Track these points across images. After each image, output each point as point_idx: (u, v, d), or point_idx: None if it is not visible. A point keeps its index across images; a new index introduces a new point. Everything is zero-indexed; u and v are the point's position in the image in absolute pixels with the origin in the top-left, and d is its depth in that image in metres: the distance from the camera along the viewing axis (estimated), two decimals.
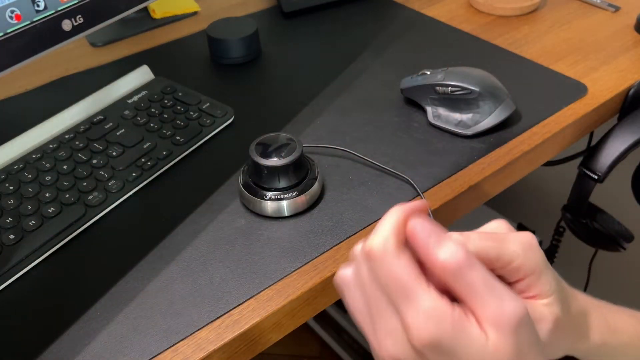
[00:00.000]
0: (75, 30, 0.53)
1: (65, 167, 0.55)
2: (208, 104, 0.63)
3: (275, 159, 0.49)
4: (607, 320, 0.39)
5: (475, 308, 0.28)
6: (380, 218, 0.50)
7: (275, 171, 0.49)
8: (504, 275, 0.32)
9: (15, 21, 0.48)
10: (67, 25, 0.52)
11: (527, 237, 0.32)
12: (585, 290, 1.09)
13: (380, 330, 0.30)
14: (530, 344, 0.29)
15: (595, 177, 0.64)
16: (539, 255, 0.32)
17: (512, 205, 1.25)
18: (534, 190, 1.27)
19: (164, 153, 0.57)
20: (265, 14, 0.83)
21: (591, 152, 0.64)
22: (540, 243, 1.11)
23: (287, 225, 0.50)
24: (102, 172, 0.55)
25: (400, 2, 0.84)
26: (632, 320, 0.41)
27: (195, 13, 0.85)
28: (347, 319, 1.42)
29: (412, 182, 0.53)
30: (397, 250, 0.29)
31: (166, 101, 0.63)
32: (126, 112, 0.62)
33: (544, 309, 0.32)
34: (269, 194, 0.50)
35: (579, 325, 0.36)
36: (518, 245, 0.31)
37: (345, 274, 0.32)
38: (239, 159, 0.57)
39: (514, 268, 0.31)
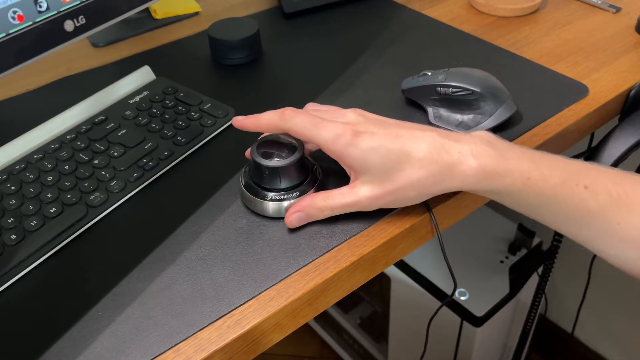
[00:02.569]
0: (78, 31, 0.53)
1: (66, 167, 0.55)
2: (209, 105, 0.63)
3: (276, 159, 0.49)
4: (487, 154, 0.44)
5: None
6: (381, 218, 0.50)
7: (276, 172, 0.49)
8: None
9: (18, 22, 0.48)
10: (69, 25, 0.52)
11: (337, 129, 0.45)
12: (585, 290, 1.09)
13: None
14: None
15: None
16: (343, 142, 0.45)
17: None
18: None
19: (166, 153, 0.57)
20: (266, 15, 0.84)
21: (592, 153, 0.64)
22: (541, 244, 1.12)
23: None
24: (103, 173, 0.55)
25: (401, 2, 0.84)
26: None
27: (196, 13, 0.85)
28: (348, 319, 1.42)
29: None
30: None
31: (167, 102, 0.63)
32: (127, 112, 0.62)
33: (361, 189, 0.47)
34: (270, 195, 0.50)
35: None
36: (327, 134, 0.45)
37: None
38: (240, 160, 0.57)
39: (325, 151, 0.47)
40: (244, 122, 0.49)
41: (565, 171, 0.43)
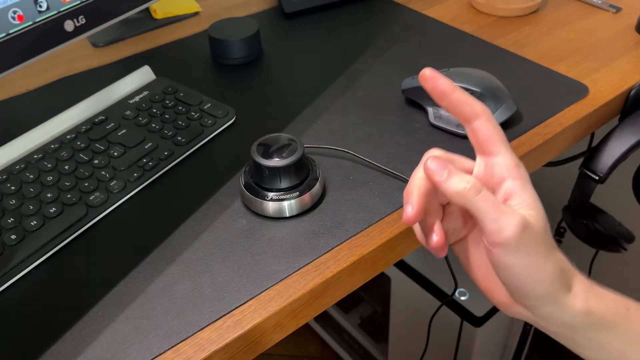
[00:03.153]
0: (78, 31, 0.53)
1: (66, 167, 0.55)
2: (209, 105, 0.63)
3: (276, 159, 0.49)
4: (593, 290, 0.39)
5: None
6: (381, 219, 0.50)
7: (276, 172, 0.49)
8: (491, 173, 0.38)
9: (18, 22, 0.48)
10: (69, 25, 0.52)
11: (517, 159, 0.38)
12: None
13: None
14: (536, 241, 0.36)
15: (596, 177, 0.64)
16: (525, 172, 0.38)
17: None
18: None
19: (166, 153, 0.57)
20: (266, 15, 0.84)
21: (592, 153, 0.64)
22: None
23: (288, 226, 0.50)
24: (103, 173, 0.55)
25: (402, 2, 0.84)
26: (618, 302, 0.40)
27: (196, 13, 0.85)
28: (348, 319, 1.42)
29: None
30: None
31: (167, 101, 0.63)
32: (128, 112, 0.62)
33: (518, 211, 0.36)
34: (271, 195, 0.50)
35: (561, 270, 0.38)
36: (512, 157, 0.38)
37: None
38: (240, 160, 0.57)
39: (504, 166, 0.38)
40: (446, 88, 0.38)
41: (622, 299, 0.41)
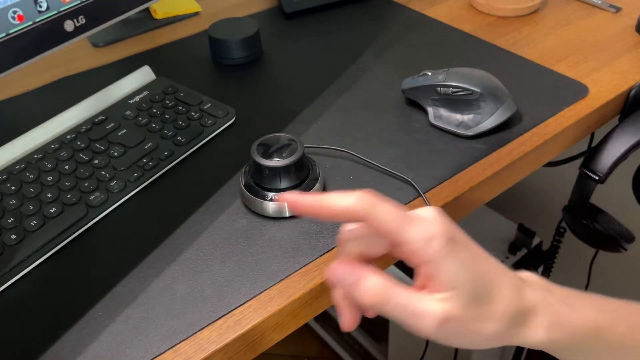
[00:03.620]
0: (78, 31, 0.53)
1: (66, 167, 0.55)
2: (209, 105, 0.63)
3: (276, 159, 0.49)
4: (558, 318, 0.38)
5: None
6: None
7: (276, 172, 0.49)
8: (404, 257, 0.35)
9: (18, 22, 0.48)
10: (69, 25, 0.52)
11: (430, 228, 0.34)
12: (585, 290, 1.09)
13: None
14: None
15: (596, 177, 0.64)
16: (439, 247, 0.34)
17: (513, 205, 1.25)
18: (534, 191, 1.27)
19: (166, 153, 0.57)
20: (266, 15, 0.84)
21: (592, 153, 0.64)
22: (541, 244, 1.11)
23: (288, 226, 0.50)
24: (103, 173, 0.55)
25: (401, 2, 0.84)
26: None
27: (196, 13, 0.85)
28: None
29: (413, 182, 0.53)
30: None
31: (167, 101, 0.63)
32: (128, 112, 0.62)
33: (434, 304, 0.34)
34: (271, 195, 0.50)
35: (509, 319, 0.36)
36: (420, 232, 0.34)
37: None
38: (240, 160, 0.57)
39: (409, 251, 0.34)
40: (298, 202, 0.35)
41: (628, 318, 0.40)
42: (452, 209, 0.53)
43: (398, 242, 0.34)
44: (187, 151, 0.58)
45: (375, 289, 0.34)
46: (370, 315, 0.37)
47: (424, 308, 0.34)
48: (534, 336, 0.37)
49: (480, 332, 0.35)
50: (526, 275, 0.40)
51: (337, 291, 0.38)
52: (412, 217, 0.34)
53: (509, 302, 0.36)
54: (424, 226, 0.34)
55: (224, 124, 0.61)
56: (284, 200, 0.36)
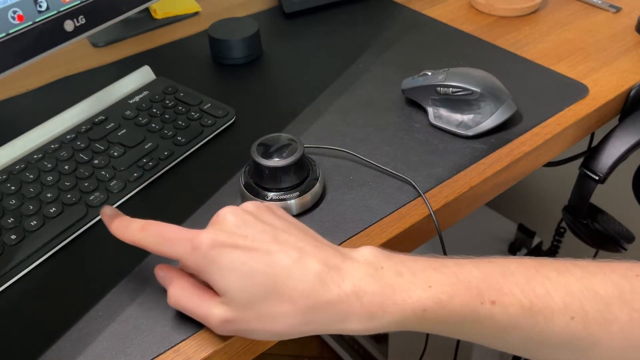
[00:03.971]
0: (78, 31, 0.53)
1: (66, 167, 0.55)
2: (209, 105, 0.63)
3: (276, 159, 0.49)
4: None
5: None
6: (381, 219, 0.50)
7: (276, 172, 0.49)
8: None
9: (18, 22, 0.48)
10: (69, 25, 0.52)
11: (190, 243, 0.37)
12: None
13: None
14: None
15: (596, 177, 0.64)
16: (201, 256, 0.37)
17: (513, 205, 1.25)
18: (534, 191, 1.27)
19: (166, 153, 0.57)
20: (266, 15, 0.84)
21: (592, 153, 0.65)
22: (541, 244, 1.12)
23: None
24: (103, 173, 0.55)
25: (401, 2, 0.84)
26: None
27: (196, 13, 0.85)
28: None
29: (413, 182, 0.53)
30: None
31: (167, 101, 0.63)
32: (127, 112, 0.62)
33: (215, 307, 0.38)
34: (271, 195, 0.50)
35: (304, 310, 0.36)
36: (182, 248, 0.38)
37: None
38: (240, 160, 0.57)
39: (185, 266, 0.39)
40: (112, 223, 0.42)
41: (468, 290, 0.37)
42: (452, 209, 0.53)
43: (173, 257, 0.39)
44: (187, 151, 0.58)
45: (172, 294, 0.40)
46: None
47: (207, 312, 0.38)
48: (353, 328, 0.37)
49: (270, 329, 0.37)
50: (361, 255, 0.38)
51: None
52: (181, 233, 0.39)
53: (300, 297, 0.36)
54: (187, 240, 0.37)
55: (224, 124, 0.61)
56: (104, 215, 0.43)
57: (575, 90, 0.65)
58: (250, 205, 0.41)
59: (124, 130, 0.59)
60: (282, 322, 0.36)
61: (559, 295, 0.37)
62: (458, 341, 1.07)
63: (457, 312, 0.36)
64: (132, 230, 0.40)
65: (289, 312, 0.36)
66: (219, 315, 0.37)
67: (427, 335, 0.95)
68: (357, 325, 0.36)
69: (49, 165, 0.55)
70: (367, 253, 0.38)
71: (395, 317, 0.36)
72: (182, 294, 0.40)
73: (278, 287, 0.36)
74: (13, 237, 0.49)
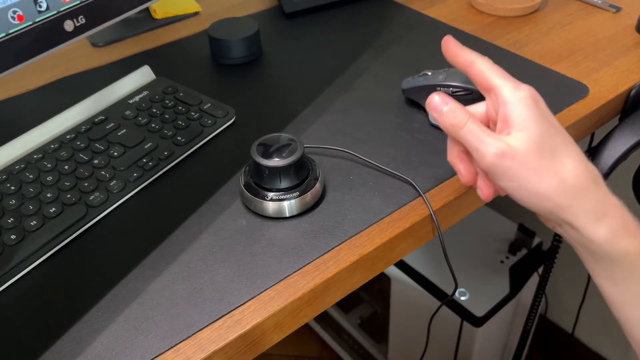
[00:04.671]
0: (77, 31, 0.53)
1: (66, 167, 0.55)
2: (209, 105, 0.63)
3: (276, 159, 0.49)
4: (629, 228, 0.40)
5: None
6: (381, 219, 0.50)
7: (276, 172, 0.49)
8: (492, 101, 0.43)
9: (17, 22, 0.48)
10: (69, 25, 0.52)
11: (524, 86, 0.41)
12: (585, 291, 1.09)
13: None
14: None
15: None
16: (522, 96, 0.41)
17: (513, 205, 1.25)
18: None
19: (165, 153, 0.57)
20: (266, 15, 0.84)
21: (592, 153, 0.64)
22: (541, 244, 1.11)
23: (288, 226, 0.50)
24: (103, 172, 0.55)
25: (401, 2, 0.84)
26: None
27: (196, 13, 0.85)
28: (348, 319, 1.42)
29: (413, 182, 0.53)
30: None
31: (167, 101, 0.63)
32: (127, 112, 0.62)
33: (499, 139, 0.40)
34: (270, 195, 0.50)
35: (569, 189, 0.40)
36: (512, 83, 0.42)
37: None
38: (240, 160, 0.57)
39: (499, 92, 0.42)
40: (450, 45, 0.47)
41: None
42: (452, 209, 0.53)
43: (490, 86, 0.42)
44: (187, 151, 0.58)
45: (454, 114, 0.42)
46: (451, 135, 0.43)
47: (489, 139, 0.40)
48: (596, 232, 0.40)
49: (534, 183, 0.40)
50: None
51: (451, 151, 0.46)
52: (510, 76, 0.42)
53: (573, 174, 0.40)
54: (517, 83, 0.41)
55: (224, 124, 0.61)
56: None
57: (575, 90, 0.65)
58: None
59: (124, 130, 0.59)
60: (547, 183, 0.39)
61: None
62: (458, 341, 1.07)
63: None
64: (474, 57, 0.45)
65: (559, 180, 0.40)
66: (503, 144, 0.40)
67: (427, 335, 0.95)
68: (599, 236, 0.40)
69: (49, 165, 0.55)
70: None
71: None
72: (465, 114, 0.42)
73: (559, 156, 0.40)
74: (13, 237, 0.49)
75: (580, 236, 0.41)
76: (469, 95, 0.57)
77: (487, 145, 0.40)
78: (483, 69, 0.43)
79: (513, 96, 0.41)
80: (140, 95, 0.64)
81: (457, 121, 0.41)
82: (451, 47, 0.46)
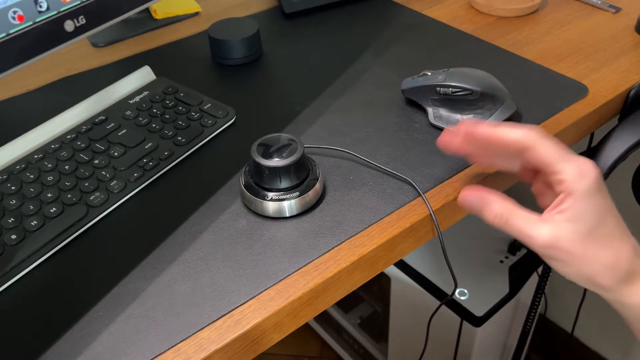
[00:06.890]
0: (78, 31, 0.53)
1: (67, 167, 0.55)
2: (209, 105, 0.63)
3: (276, 159, 0.49)
4: None
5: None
6: (381, 218, 0.50)
7: (276, 172, 0.49)
8: (550, 182, 0.42)
9: (18, 22, 0.48)
10: (69, 26, 0.52)
11: (586, 169, 0.40)
12: (585, 290, 1.09)
13: None
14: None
15: None
16: (586, 187, 0.40)
17: None
18: None
19: (166, 153, 0.57)
20: (266, 15, 0.84)
21: (592, 153, 0.65)
22: None
23: (288, 226, 0.50)
24: (103, 173, 0.55)
25: (401, 3, 0.84)
26: None
27: (196, 14, 0.85)
28: (348, 319, 1.42)
29: (413, 182, 0.53)
30: None
31: (168, 102, 0.63)
32: (128, 112, 0.62)
33: (544, 229, 0.40)
34: (271, 195, 0.50)
35: (612, 268, 0.41)
36: (574, 168, 0.40)
37: None
38: (240, 160, 0.57)
39: (557, 180, 0.41)
40: (472, 131, 0.44)
41: None
42: (452, 209, 0.53)
43: (552, 171, 0.41)
44: (187, 151, 0.58)
45: (496, 211, 0.42)
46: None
47: (534, 232, 0.41)
48: (629, 297, 0.41)
49: (582, 270, 0.41)
50: None
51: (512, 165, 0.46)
52: (571, 156, 0.41)
53: (620, 252, 0.40)
54: (580, 166, 0.40)
55: (224, 124, 0.62)
56: (461, 130, 0.45)
57: (575, 91, 0.65)
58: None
59: (124, 131, 0.59)
60: (602, 275, 0.40)
61: None
62: (457, 341, 1.07)
63: None
64: (525, 133, 0.42)
65: (604, 266, 0.40)
66: (549, 236, 0.40)
67: (427, 334, 0.95)
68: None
69: (50, 165, 0.55)
70: None
71: None
72: (507, 210, 0.42)
73: (608, 241, 0.40)
74: (13, 237, 0.49)
75: (618, 304, 0.43)
76: (469, 95, 0.58)
77: (535, 239, 0.41)
78: (536, 160, 0.41)
79: (579, 187, 0.40)
80: (141, 96, 0.64)
81: (499, 219, 0.43)
82: (491, 135, 0.43)
